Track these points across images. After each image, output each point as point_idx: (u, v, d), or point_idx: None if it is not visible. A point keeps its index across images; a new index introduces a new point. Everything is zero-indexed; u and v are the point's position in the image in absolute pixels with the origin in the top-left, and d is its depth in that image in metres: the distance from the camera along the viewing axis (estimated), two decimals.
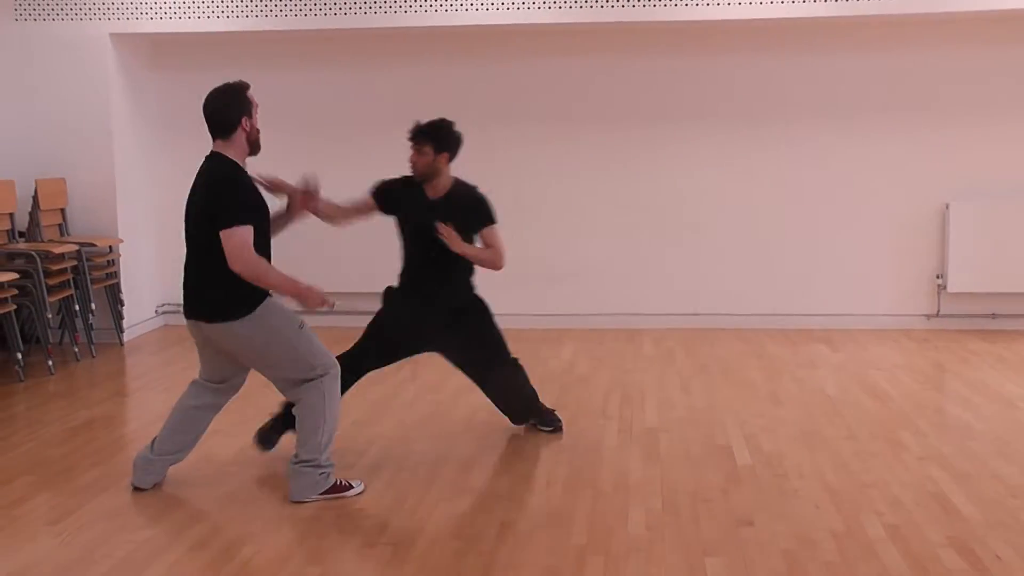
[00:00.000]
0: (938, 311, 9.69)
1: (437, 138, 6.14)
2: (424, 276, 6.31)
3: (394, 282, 6.41)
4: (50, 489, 5.67)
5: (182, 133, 10.08)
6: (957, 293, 9.57)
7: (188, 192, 5.47)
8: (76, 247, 8.83)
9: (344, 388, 5.91)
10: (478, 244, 6.28)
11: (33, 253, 8.37)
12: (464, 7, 8.96)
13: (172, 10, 9.16)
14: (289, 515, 5.26)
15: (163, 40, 9.77)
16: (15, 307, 8.12)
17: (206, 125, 5.42)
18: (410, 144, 6.17)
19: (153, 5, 9.18)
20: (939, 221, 9.58)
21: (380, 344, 6.32)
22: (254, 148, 5.47)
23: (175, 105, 10.06)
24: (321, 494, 5.45)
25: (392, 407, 7.20)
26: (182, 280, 5.52)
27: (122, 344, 9.42)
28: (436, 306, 6.29)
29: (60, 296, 8.73)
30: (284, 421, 6.04)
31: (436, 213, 6.15)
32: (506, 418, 6.64)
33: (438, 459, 6.09)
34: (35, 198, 8.94)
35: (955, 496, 5.39)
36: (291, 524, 5.15)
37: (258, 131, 5.46)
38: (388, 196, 6.32)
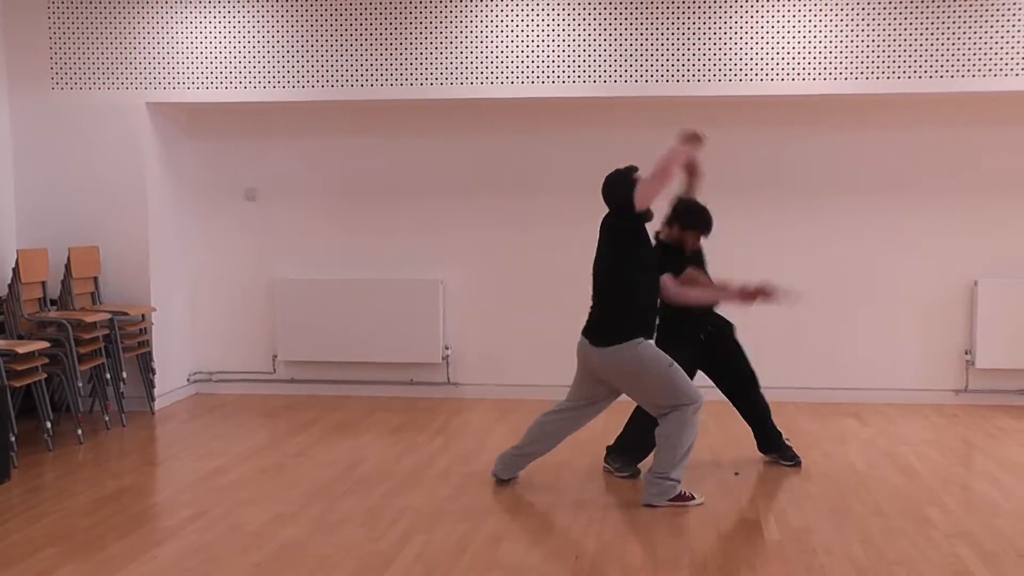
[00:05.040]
0: (966, 386, 9.66)
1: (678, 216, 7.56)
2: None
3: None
4: (76, 561, 5.64)
5: (214, 201, 10.21)
6: (985, 369, 9.55)
7: None
8: (108, 316, 8.86)
9: None
10: None
11: (65, 322, 8.41)
12: (493, 80, 9.07)
13: (208, 80, 9.29)
14: None
15: (198, 109, 9.90)
16: (46, 376, 8.13)
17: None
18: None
19: (190, 75, 9.30)
20: (968, 297, 9.58)
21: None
22: (645, 216, 6.73)
23: (208, 174, 10.21)
24: (669, 501, 6.51)
25: (424, 478, 7.21)
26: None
27: (153, 412, 9.44)
28: (693, 326, 7.45)
29: (91, 364, 8.75)
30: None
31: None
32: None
33: (468, 532, 6.08)
34: (68, 266, 8.98)
35: (981, 574, 5.37)
36: None
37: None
38: None
